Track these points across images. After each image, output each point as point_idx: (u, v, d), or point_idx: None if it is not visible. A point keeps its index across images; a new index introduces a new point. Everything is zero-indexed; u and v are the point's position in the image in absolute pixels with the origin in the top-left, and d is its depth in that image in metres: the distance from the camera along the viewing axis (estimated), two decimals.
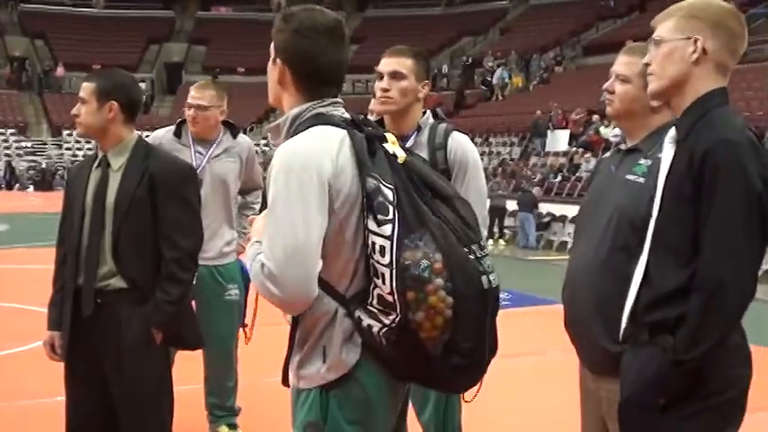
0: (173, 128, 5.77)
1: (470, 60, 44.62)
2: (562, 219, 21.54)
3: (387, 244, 2.58)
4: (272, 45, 2.85)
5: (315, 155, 2.63)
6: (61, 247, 4.19)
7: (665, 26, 2.94)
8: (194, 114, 5.62)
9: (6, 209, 29.70)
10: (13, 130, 47.29)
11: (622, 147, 3.58)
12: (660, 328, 2.79)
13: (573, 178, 23.97)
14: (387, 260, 2.57)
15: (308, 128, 2.72)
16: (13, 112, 48.87)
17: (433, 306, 2.56)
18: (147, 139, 4.48)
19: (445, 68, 45.61)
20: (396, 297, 2.56)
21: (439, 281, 2.57)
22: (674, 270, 2.76)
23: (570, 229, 20.58)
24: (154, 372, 4.07)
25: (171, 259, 4.00)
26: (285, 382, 2.82)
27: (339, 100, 2.85)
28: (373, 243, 2.61)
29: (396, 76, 4.04)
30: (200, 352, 5.39)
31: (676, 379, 2.73)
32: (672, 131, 2.94)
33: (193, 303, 5.42)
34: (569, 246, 19.44)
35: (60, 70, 51.25)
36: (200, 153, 5.65)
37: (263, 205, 2.86)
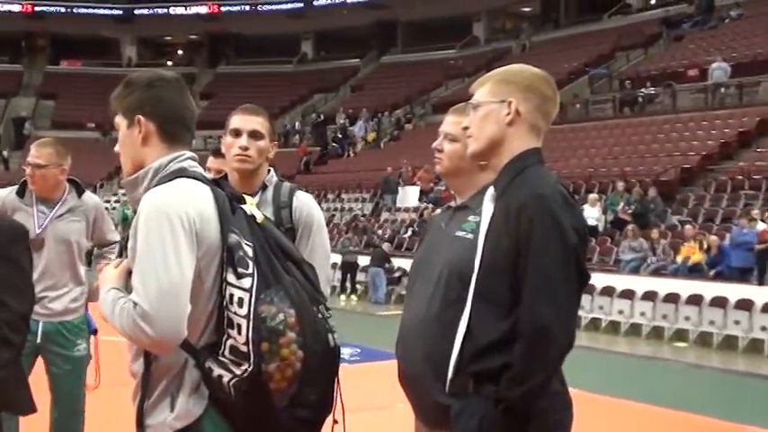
0: (16, 187, 5.61)
1: (322, 117, 44.88)
2: None
3: (245, 296, 2.65)
4: (117, 115, 2.91)
5: (183, 202, 2.69)
6: None
7: (481, 91, 3.07)
8: (32, 173, 5.47)
9: None
10: None
11: (452, 204, 3.66)
12: (484, 379, 2.85)
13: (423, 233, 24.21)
14: (244, 311, 2.63)
15: (169, 180, 2.76)
16: None
17: (285, 358, 2.64)
18: None
19: (297, 125, 45.74)
20: (250, 347, 2.62)
21: (292, 334, 2.65)
22: (494, 321, 2.84)
23: None
24: None
25: (2, 321, 3.85)
26: (141, 429, 2.79)
27: (195, 156, 2.91)
28: (231, 295, 2.67)
29: (255, 135, 4.04)
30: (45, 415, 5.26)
31: (500, 425, 2.78)
32: (491, 190, 3.02)
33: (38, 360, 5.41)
34: None
35: None
36: (42, 213, 5.49)
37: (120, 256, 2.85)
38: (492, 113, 3.01)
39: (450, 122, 3.63)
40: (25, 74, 56.53)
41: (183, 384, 2.71)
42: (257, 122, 4.07)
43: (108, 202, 38.78)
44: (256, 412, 2.70)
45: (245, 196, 2.90)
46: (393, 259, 22.88)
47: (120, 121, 2.93)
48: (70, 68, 56.26)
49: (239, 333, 2.63)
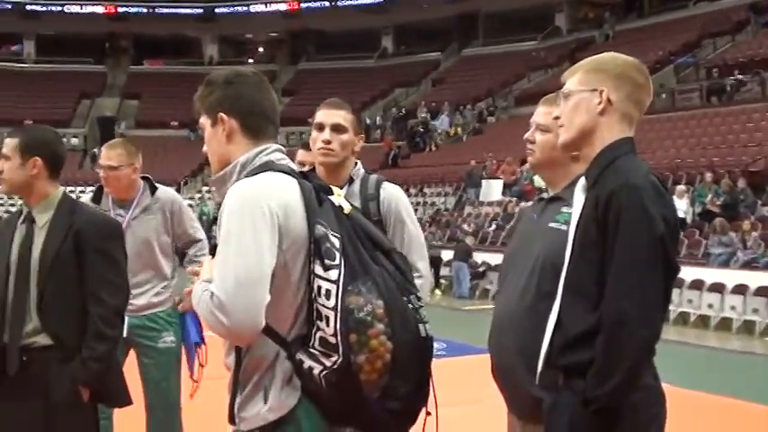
0: (91, 195, 5.72)
1: (403, 112, 44.88)
2: (497, 268, 21.51)
3: (333, 288, 2.66)
4: (201, 116, 2.97)
5: (266, 194, 2.72)
6: None
7: (572, 80, 3.05)
8: (105, 175, 5.54)
9: None
10: None
11: (545, 196, 3.64)
12: (573, 372, 2.83)
13: (507, 227, 24.08)
14: (332, 303, 2.65)
15: (257, 174, 2.80)
16: None
17: (374, 350, 2.66)
18: None
19: (378, 120, 45.82)
20: (339, 339, 2.63)
21: (380, 326, 2.66)
22: (583, 313, 2.82)
23: None
24: (82, 428, 4.01)
25: (97, 316, 3.96)
26: (232, 420, 2.84)
27: (282, 149, 2.94)
28: (319, 287, 2.69)
29: (338, 129, 4.08)
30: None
31: (590, 421, 2.76)
32: (582, 180, 3.01)
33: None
34: None
35: None
36: (120, 216, 5.50)
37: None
38: (583, 103, 2.99)
39: (541, 113, 3.61)
40: (109, 74, 57.46)
41: (276, 376, 2.74)
42: (340, 116, 4.09)
43: (192, 199, 39.31)
44: (348, 404, 2.72)
45: (332, 188, 2.92)
46: (477, 253, 22.80)
47: (204, 120, 2.99)
48: (153, 68, 57.02)
49: (328, 325, 2.66)
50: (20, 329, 3.95)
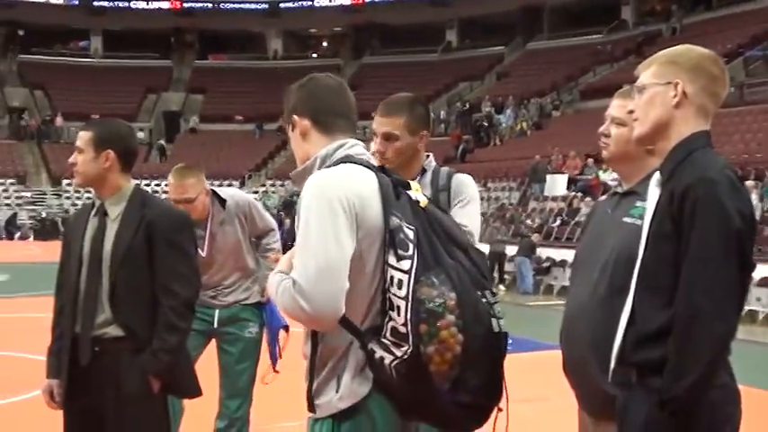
0: None
1: (467, 106, 44.77)
2: (562, 263, 21.46)
3: (404, 278, 2.69)
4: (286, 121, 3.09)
5: (343, 185, 2.78)
6: (59, 295, 4.20)
7: (646, 73, 3.01)
8: (186, 209, 5.57)
9: (7, 258, 29.73)
10: (12, 180, 47.41)
11: (619, 190, 3.60)
12: (647, 369, 2.80)
13: (572, 223, 23.93)
14: (403, 293, 2.68)
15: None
16: (12, 163, 49.01)
17: (444, 341, 2.67)
18: None
19: (443, 114, 45.76)
20: (409, 329, 2.66)
21: (451, 317, 2.67)
22: (657, 309, 2.78)
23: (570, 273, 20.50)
24: (152, 422, 4.05)
25: (168, 308, 3.99)
26: (311, 408, 2.87)
27: (363, 144, 3.02)
28: (392, 277, 2.72)
29: (389, 137, 4.11)
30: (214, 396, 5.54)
31: (667, 422, 2.73)
32: (657, 174, 2.97)
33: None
34: None
35: (59, 120, 51.45)
36: (199, 237, 5.58)
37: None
38: (658, 96, 2.95)
39: (616, 106, 3.57)
40: (175, 69, 58.07)
41: (348, 365, 2.78)
42: (389, 124, 4.11)
43: (256, 192, 39.55)
44: (419, 395, 2.73)
45: (410, 182, 2.96)
46: (541, 249, 22.67)
47: (287, 126, 3.11)
48: (218, 63, 57.51)
49: (399, 314, 2.68)
50: (91, 320, 4.00)
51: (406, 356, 2.67)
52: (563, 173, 29.27)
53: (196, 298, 4.19)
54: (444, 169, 4.28)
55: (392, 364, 2.69)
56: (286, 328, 5.94)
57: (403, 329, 2.67)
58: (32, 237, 42.73)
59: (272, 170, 48.30)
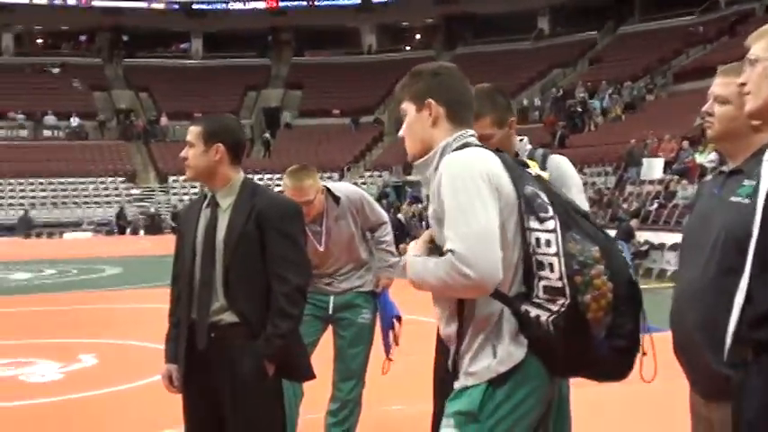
0: None
1: (561, 92, 44.37)
2: (660, 247, 21.15)
3: (552, 237, 2.82)
4: (404, 102, 3.15)
5: (481, 162, 2.88)
6: (175, 284, 4.27)
7: (759, 45, 2.88)
8: (306, 210, 5.59)
9: (119, 253, 30.43)
10: (122, 179, 48.44)
11: (724, 169, 3.51)
12: (764, 349, 2.72)
13: (669, 206, 23.53)
14: (553, 250, 2.80)
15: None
16: (121, 162, 50.06)
17: (598, 288, 2.79)
18: None
19: (537, 101, 45.43)
20: (565, 281, 2.78)
21: (600, 267, 2.80)
22: None
23: (669, 256, 20.24)
24: (268, 404, 4.09)
25: (280, 294, 4.03)
26: (455, 376, 2.94)
27: (476, 134, 3.12)
28: (537, 239, 2.84)
29: (482, 140, 4.10)
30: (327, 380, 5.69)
31: None
32: None
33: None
34: (669, 273, 18.86)
35: (164, 120, 52.43)
36: (316, 232, 5.79)
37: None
38: None
39: (719, 84, 3.46)
40: (273, 67, 58.64)
41: (503, 333, 2.84)
42: (477, 128, 4.13)
43: (355, 184, 39.60)
44: (577, 347, 2.81)
45: (527, 161, 3.07)
46: (639, 232, 22.35)
47: (407, 107, 3.14)
48: (314, 59, 57.86)
49: (552, 271, 2.79)
50: (207, 308, 4.06)
51: (563, 309, 2.78)
52: (659, 156, 28.78)
53: (307, 284, 4.22)
54: (539, 151, 4.33)
55: (549, 320, 2.79)
56: (398, 318, 6.08)
57: (558, 284, 2.78)
58: (143, 232, 43.63)
59: (369, 162, 48.51)
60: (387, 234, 6.09)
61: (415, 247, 2.97)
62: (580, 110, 41.09)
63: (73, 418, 7.74)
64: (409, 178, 43.54)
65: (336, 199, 5.87)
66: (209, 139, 4.13)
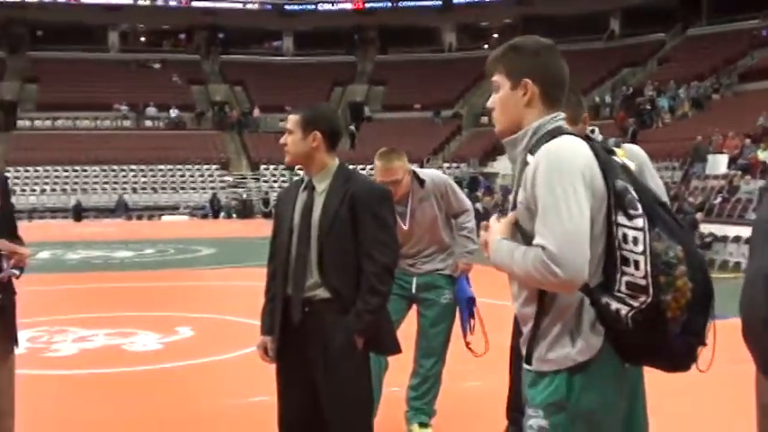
0: None
1: (631, 90, 43.80)
2: (723, 239, 20.83)
3: (640, 235, 2.69)
4: (497, 75, 2.98)
5: (578, 156, 2.75)
6: (272, 261, 4.31)
7: None
8: (394, 190, 5.67)
9: (214, 234, 30.79)
10: (216, 166, 48.96)
11: None
12: None
13: (733, 200, 23.18)
14: (640, 249, 2.68)
15: (550, 139, 2.83)
16: (216, 150, 50.57)
17: (679, 288, 2.69)
18: None
19: (608, 99, 44.92)
20: (649, 281, 2.66)
21: (682, 267, 2.69)
22: None
23: (731, 248, 20.01)
24: (357, 375, 4.12)
25: (370, 272, 4.05)
26: (528, 362, 2.88)
27: (565, 116, 2.97)
28: (624, 235, 2.72)
29: None
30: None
31: None
32: None
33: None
34: (731, 264, 18.61)
35: (257, 112, 52.88)
36: (401, 213, 5.77)
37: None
38: None
39: None
40: (358, 63, 58.72)
41: (582, 322, 2.77)
42: None
43: None
44: (652, 340, 2.74)
45: (614, 149, 2.94)
46: (704, 225, 22.02)
47: (501, 81, 2.98)
48: (397, 57, 57.82)
49: (637, 269, 2.68)
50: (302, 284, 4.09)
51: (644, 306, 2.69)
52: (723, 153, 28.38)
53: (395, 264, 4.23)
54: (611, 140, 4.25)
55: (629, 315, 2.70)
56: (472, 300, 6.03)
57: (642, 282, 2.68)
58: (235, 215, 44.10)
59: (448, 154, 48.37)
60: (469, 221, 6.05)
61: (499, 228, 2.89)
62: (649, 107, 40.52)
63: (172, 384, 7.87)
64: (485, 170, 43.43)
65: (422, 182, 5.87)
66: (306, 127, 4.15)
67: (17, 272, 4.11)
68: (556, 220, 2.66)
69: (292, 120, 4.21)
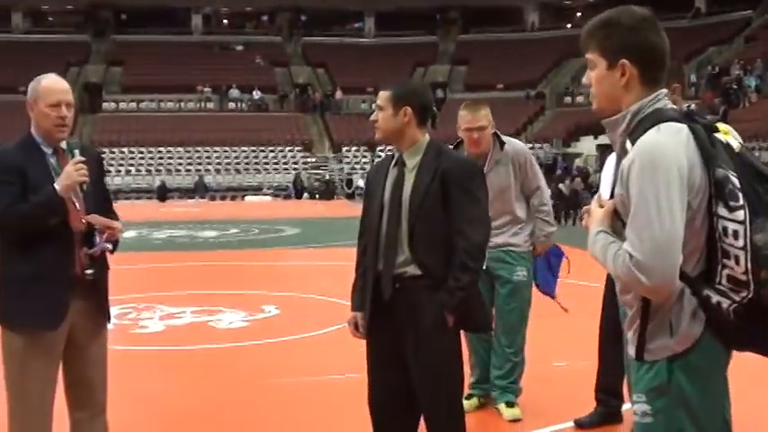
0: None
1: (717, 69, 42.94)
2: None
3: (740, 228, 2.55)
4: (592, 51, 2.81)
5: (674, 152, 2.59)
6: (362, 238, 4.28)
7: None
8: (477, 137, 5.70)
9: (297, 215, 31.03)
10: (299, 148, 49.33)
11: None
12: None
13: None
14: (741, 243, 2.55)
15: (650, 125, 2.67)
16: (299, 132, 50.95)
17: None
18: None
19: (693, 78, 44.13)
20: (749, 277, 2.55)
21: None
22: None
23: None
24: (448, 351, 4.07)
25: (462, 249, 3.99)
26: (640, 355, 2.77)
27: (667, 92, 2.78)
28: (725, 228, 2.58)
29: None
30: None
31: None
32: None
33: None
34: None
35: (339, 94, 53.10)
36: None
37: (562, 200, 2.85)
38: None
39: None
40: (440, 44, 58.56)
41: (683, 311, 2.66)
42: None
43: None
44: (753, 330, 2.65)
45: (719, 125, 2.73)
46: None
47: (596, 59, 2.81)
48: (479, 36, 57.51)
49: (737, 264, 2.56)
50: (392, 260, 4.06)
51: (745, 301, 2.58)
52: None
53: (487, 240, 4.17)
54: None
55: (730, 308, 2.60)
56: (552, 292, 6.04)
57: (743, 277, 2.56)
58: (318, 196, 44.39)
59: (531, 134, 48.04)
60: (545, 204, 5.98)
61: (599, 217, 2.77)
62: (735, 87, 39.69)
63: (258, 361, 7.91)
64: (569, 150, 43.02)
65: (502, 144, 5.83)
66: (397, 103, 4.11)
67: (110, 246, 4.15)
68: (645, 225, 2.55)
69: (383, 96, 4.17)
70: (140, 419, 6.02)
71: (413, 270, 4.04)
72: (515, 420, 5.78)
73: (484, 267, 5.63)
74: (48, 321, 4.01)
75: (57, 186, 3.96)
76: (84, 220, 4.05)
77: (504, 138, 5.92)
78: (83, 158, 4.05)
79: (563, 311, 6.07)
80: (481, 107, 5.79)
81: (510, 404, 5.86)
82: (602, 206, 2.80)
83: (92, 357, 4.20)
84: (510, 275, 5.85)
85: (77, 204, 4.05)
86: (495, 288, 5.89)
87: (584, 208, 2.95)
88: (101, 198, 4.21)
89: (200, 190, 44.90)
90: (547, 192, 6.09)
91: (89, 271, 4.08)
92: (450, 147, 5.80)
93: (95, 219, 4.07)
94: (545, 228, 5.94)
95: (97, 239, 4.09)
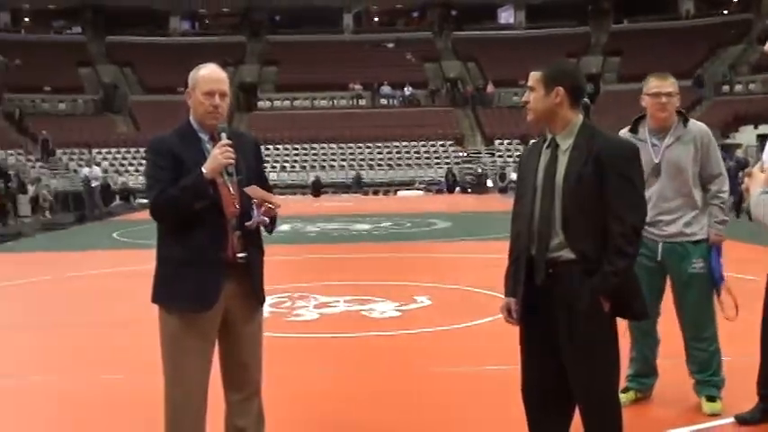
0: (629, 126, 5.78)
1: None
2: None
3: None
4: None
5: None
6: (515, 223, 4.20)
7: None
8: (665, 101, 5.53)
9: (450, 208, 31.05)
10: (451, 142, 49.36)
11: None
12: None
13: None
14: None
15: None
16: (450, 126, 50.98)
17: None
18: None
19: None
20: None
21: None
22: None
23: None
24: (603, 339, 3.97)
25: (618, 234, 3.88)
26: None
27: None
28: None
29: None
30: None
31: None
32: None
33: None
34: None
35: (490, 88, 52.87)
36: (655, 145, 5.57)
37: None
38: None
39: None
40: (592, 35, 57.74)
41: None
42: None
43: None
44: None
45: None
46: None
47: None
48: (633, 26, 56.41)
49: None
50: (546, 244, 3.98)
51: None
52: None
53: (643, 224, 4.05)
54: None
55: None
56: (721, 278, 5.60)
57: None
58: (470, 190, 44.32)
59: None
60: (723, 192, 5.63)
61: (764, 179, 2.70)
62: None
63: (412, 350, 7.93)
64: (727, 141, 41.67)
65: (686, 121, 5.62)
66: (549, 83, 4.03)
67: (267, 219, 4.20)
68: None
69: (534, 77, 4.11)
70: (295, 403, 6.10)
71: (567, 254, 3.96)
72: (714, 415, 5.52)
73: (658, 259, 5.50)
74: (199, 304, 4.10)
75: (204, 170, 4.05)
76: (236, 205, 4.12)
77: (691, 119, 5.70)
78: (229, 141, 4.13)
79: (720, 304, 5.73)
80: (669, 76, 5.63)
81: (710, 398, 5.61)
82: (763, 171, 2.72)
83: (247, 339, 4.28)
84: (686, 268, 5.55)
85: (231, 189, 4.12)
86: (672, 281, 5.65)
87: (746, 170, 2.86)
88: (257, 182, 4.27)
89: (355, 185, 45.52)
90: (727, 181, 5.75)
91: (241, 255, 4.15)
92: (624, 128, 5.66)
93: (254, 190, 4.13)
94: (719, 214, 5.60)
95: (255, 213, 4.14)
